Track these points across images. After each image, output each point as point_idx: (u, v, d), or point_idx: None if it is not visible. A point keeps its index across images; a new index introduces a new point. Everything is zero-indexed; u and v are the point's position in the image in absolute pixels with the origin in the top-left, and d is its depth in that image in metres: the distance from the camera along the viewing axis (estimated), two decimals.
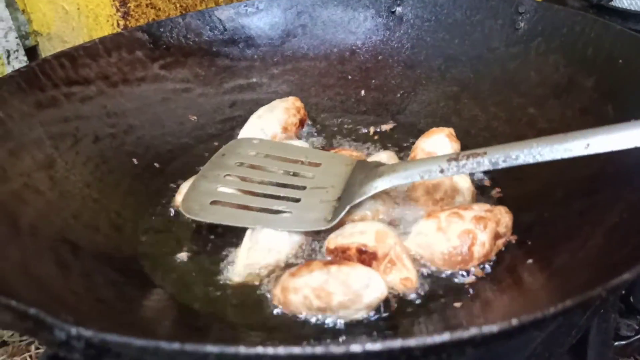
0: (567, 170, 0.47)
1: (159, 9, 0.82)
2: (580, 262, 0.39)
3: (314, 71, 0.72)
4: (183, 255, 0.50)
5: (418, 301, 0.44)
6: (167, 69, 0.68)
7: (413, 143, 0.60)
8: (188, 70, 0.69)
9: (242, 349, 0.25)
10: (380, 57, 0.70)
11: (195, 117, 0.67)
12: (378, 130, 0.65)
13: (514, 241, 0.48)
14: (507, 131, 0.59)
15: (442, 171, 0.45)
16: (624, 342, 0.67)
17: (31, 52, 0.99)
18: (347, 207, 0.49)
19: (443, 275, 0.46)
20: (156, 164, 0.62)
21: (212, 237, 0.52)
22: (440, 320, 0.43)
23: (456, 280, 0.46)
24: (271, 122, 0.64)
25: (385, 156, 0.57)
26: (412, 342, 0.25)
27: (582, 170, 0.45)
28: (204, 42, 0.71)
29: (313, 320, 0.43)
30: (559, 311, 0.27)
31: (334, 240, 0.48)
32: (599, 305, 0.54)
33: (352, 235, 0.47)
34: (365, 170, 0.52)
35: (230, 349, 0.25)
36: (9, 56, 0.96)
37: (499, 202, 0.52)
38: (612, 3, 0.88)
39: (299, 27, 0.72)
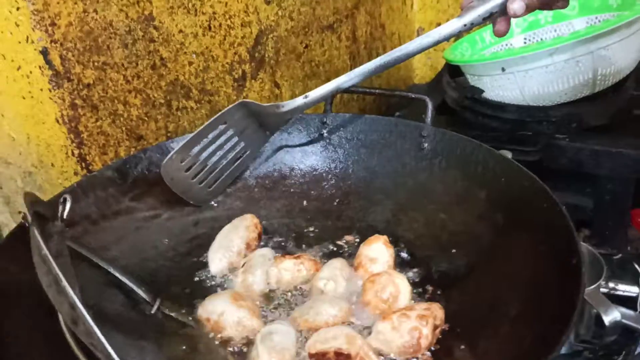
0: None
1: (108, 135, 0.92)
2: (497, 348, 0.56)
3: (261, 187, 0.85)
4: None
5: None
6: (137, 200, 0.78)
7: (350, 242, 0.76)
8: (154, 199, 0.80)
9: None
10: (315, 173, 0.86)
11: (167, 240, 0.78)
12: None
13: (447, 329, 0.64)
14: (426, 233, 0.76)
15: None
16: None
17: None
18: None
19: None
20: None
21: None
22: None
23: None
24: (235, 240, 0.77)
25: (338, 264, 0.72)
26: None
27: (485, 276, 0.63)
28: None
29: None
30: None
31: (314, 346, 0.61)
32: None
33: (327, 340, 0.61)
34: None
35: None
36: None
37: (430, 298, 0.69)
38: (483, 95, 1.11)
39: None
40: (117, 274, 0.68)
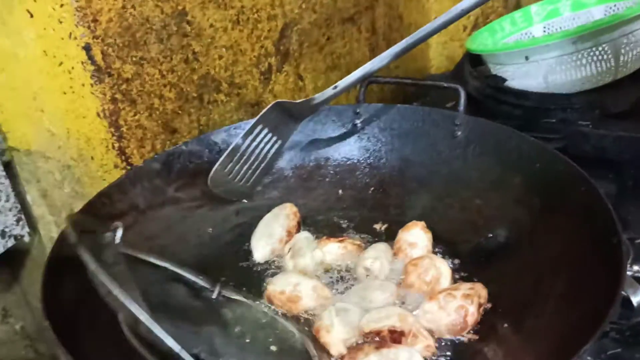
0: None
1: (146, 128, 0.94)
2: (544, 326, 0.59)
3: (297, 177, 0.88)
4: None
5: None
6: (181, 190, 0.81)
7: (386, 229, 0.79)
8: (197, 189, 0.82)
9: None
10: (349, 162, 0.88)
11: (211, 229, 0.81)
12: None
13: (489, 307, 0.67)
14: (461, 218, 0.79)
15: None
16: None
17: (7, 166, 1.05)
18: None
19: (449, 341, 0.64)
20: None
21: None
22: None
23: (458, 342, 0.64)
24: (277, 228, 0.80)
25: (382, 247, 0.75)
26: None
27: (525, 259, 0.66)
28: (205, 162, 0.84)
29: None
30: None
31: (367, 325, 0.64)
32: None
33: (380, 319, 0.64)
34: None
35: None
36: None
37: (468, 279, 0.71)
38: (506, 84, 1.12)
39: None
40: (175, 269, 0.71)
